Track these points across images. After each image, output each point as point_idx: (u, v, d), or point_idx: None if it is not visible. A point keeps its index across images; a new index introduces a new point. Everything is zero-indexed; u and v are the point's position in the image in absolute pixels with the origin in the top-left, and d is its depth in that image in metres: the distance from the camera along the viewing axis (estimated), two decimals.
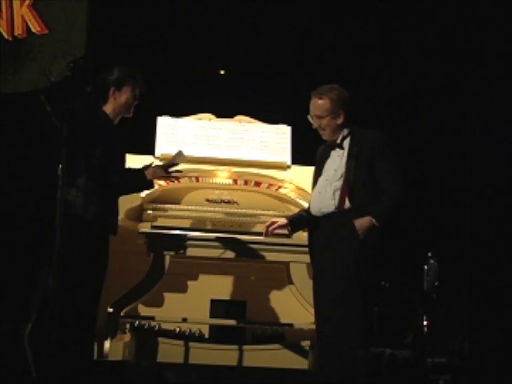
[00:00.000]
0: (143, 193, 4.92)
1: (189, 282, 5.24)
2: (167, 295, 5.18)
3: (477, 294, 6.49)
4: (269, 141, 5.55)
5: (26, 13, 5.68)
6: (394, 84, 7.04)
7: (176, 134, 5.47)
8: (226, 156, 5.45)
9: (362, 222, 4.06)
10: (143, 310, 5.10)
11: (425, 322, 5.85)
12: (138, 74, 4.31)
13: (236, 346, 4.83)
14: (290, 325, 5.10)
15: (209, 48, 6.92)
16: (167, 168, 4.38)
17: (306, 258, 4.39)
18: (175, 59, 6.89)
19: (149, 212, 5.00)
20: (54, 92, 3.69)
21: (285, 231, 4.62)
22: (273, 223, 4.40)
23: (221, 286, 5.23)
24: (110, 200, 4.17)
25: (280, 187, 5.34)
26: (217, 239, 4.89)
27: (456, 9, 6.51)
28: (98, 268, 4.10)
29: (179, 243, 4.87)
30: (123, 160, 4.30)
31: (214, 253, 4.91)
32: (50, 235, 3.48)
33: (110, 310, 4.78)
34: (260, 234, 4.66)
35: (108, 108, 4.25)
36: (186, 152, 4.55)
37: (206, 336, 5.07)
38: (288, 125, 5.62)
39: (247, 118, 5.67)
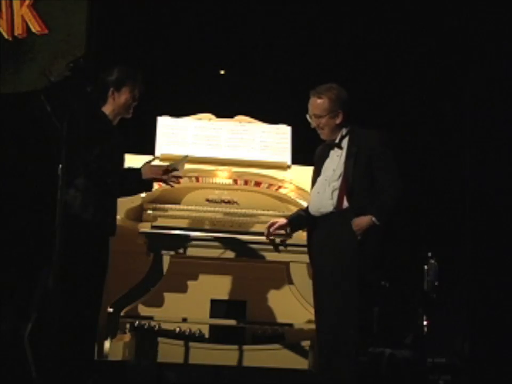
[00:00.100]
0: (143, 193, 4.92)
1: (189, 282, 5.25)
2: (167, 295, 5.18)
3: (476, 294, 6.48)
4: (269, 141, 5.55)
5: (26, 13, 5.67)
6: (394, 84, 7.04)
7: (176, 134, 5.46)
8: (226, 156, 5.45)
9: (360, 222, 4.06)
10: (143, 310, 5.10)
11: (425, 322, 5.84)
12: (137, 75, 4.31)
13: (235, 346, 4.83)
14: (290, 325, 5.10)
15: (209, 48, 6.91)
16: (166, 170, 4.32)
17: (306, 258, 4.40)
18: (175, 59, 6.88)
19: (149, 211, 5.00)
20: (54, 91, 3.69)
21: (282, 232, 4.63)
22: (273, 223, 4.41)
23: (221, 286, 5.23)
24: (108, 201, 4.17)
25: (280, 187, 5.33)
26: (217, 239, 4.89)
27: (456, 9, 6.51)
28: (98, 268, 4.10)
29: (179, 243, 4.88)
30: (122, 161, 4.29)
31: (214, 253, 4.91)
32: (50, 235, 3.48)
33: (110, 310, 4.79)
34: (260, 234, 4.67)
35: (107, 109, 4.25)
36: (186, 152, 4.54)
37: (206, 336, 5.07)
38: (288, 125, 5.61)
39: (247, 118, 5.66)
